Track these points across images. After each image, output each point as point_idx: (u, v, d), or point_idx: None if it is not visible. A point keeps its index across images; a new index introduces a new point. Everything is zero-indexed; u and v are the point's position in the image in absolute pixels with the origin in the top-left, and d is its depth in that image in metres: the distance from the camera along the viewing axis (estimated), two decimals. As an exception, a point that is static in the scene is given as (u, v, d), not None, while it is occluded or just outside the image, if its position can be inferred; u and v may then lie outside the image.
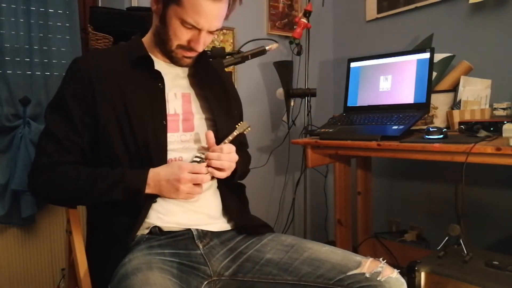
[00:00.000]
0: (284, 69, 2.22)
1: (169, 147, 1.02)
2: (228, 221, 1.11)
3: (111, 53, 1.12)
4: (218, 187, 1.11)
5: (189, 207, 1.04)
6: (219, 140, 1.05)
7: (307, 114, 2.31)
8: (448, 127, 1.69)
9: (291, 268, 0.97)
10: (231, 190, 1.13)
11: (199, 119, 1.09)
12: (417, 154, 1.44)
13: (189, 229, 1.02)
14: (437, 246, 1.55)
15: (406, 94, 1.73)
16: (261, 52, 1.53)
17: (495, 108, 1.66)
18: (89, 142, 1.02)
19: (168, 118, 1.04)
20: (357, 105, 1.88)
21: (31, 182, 1.03)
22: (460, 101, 1.71)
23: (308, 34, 2.30)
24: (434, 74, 1.77)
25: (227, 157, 1.02)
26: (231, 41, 2.22)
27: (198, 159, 1.03)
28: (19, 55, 1.66)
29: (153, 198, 1.00)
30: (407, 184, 2.28)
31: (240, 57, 1.52)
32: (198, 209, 1.05)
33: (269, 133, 2.45)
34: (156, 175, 0.97)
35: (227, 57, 1.52)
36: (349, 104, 1.92)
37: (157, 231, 1.00)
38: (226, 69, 1.48)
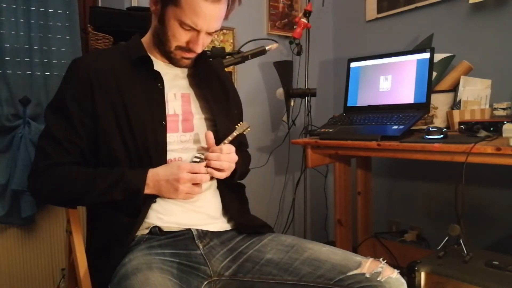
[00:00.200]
0: (284, 69, 2.22)
1: (169, 147, 1.02)
2: (228, 221, 1.11)
3: (111, 54, 1.11)
4: (218, 187, 1.11)
5: (189, 207, 1.04)
6: (218, 140, 1.05)
7: (307, 114, 2.31)
8: (448, 127, 1.69)
9: (291, 268, 0.97)
10: (231, 190, 1.13)
11: (198, 119, 1.09)
12: (417, 154, 1.44)
13: (189, 229, 1.02)
14: (437, 246, 1.55)
15: (406, 94, 1.73)
16: (261, 52, 1.53)
17: (495, 108, 1.66)
18: (88, 142, 1.02)
19: (168, 118, 1.03)
20: (357, 105, 1.88)
21: (31, 183, 1.03)
22: (460, 101, 1.71)
23: (308, 34, 2.30)
24: (434, 74, 1.77)
25: (226, 157, 1.01)
26: (231, 41, 2.22)
27: (197, 160, 1.03)
28: (19, 55, 1.66)
29: (152, 198, 1.00)
30: (407, 184, 2.28)
31: (240, 57, 1.52)
32: (198, 209, 1.05)
33: (269, 133, 2.45)
34: (155, 175, 0.97)
35: (227, 57, 1.52)
36: (349, 104, 1.92)
37: (157, 231, 1.00)
38: (226, 69, 1.48)
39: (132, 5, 1.88)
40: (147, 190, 0.97)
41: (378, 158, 2.31)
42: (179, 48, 1.03)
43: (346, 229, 1.97)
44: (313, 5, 2.24)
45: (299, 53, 2.28)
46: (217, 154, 1.00)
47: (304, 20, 2.19)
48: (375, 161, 2.28)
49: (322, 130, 1.76)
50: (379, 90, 1.82)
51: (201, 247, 1.01)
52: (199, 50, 1.04)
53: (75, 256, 1.05)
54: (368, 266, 0.92)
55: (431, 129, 1.43)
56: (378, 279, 0.89)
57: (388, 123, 1.60)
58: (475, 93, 1.71)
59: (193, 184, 0.98)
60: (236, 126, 1.08)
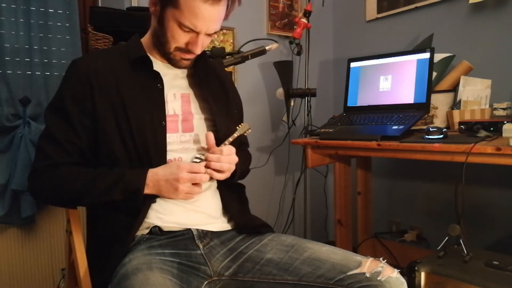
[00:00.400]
0: (284, 69, 2.22)
1: (169, 147, 1.02)
2: (228, 221, 1.11)
3: (110, 54, 1.11)
4: (218, 187, 1.11)
5: (189, 206, 1.04)
6: (218, 140, 1.05)
7: (307, 114, 2.31)
8: (448, 127, 1.69)
9: (292, 268, 0.97)
10: (231, 190, 1.13)
11: (198, 120, 1.09)
12: (417, 154, 1.44)
13: (189, 229, 1.02)
14: (437, 246, 1.55)
15: (406, 94, 1.73)
16: (261, 52, 1.54)
17: (495, 108, 1.66)
18: (88, 143, 1.02)
19: (168, 118, 1.03)
20: (357, 105, 1.88)
21: (31, 184, 1.03)
22: (460, 101, 1.71)
23: (308, 34, 2.30)
24: (434, 74, 1.77)
25: (226, 159, 1.01)
26: (231, 41, 2.22)
27: (197, 160, 1.03)
28: (19, 55, 1.66)
29: (152, 198, 1.00)
30: (407, 184, 2.28)
31: (240, 57, 1.52)
32: (198, 208, 1.05)
33: (269, 133, 2.45)
34: (154, 175, 0.97)
35: (227, 57, 1.52)
36: (349, 104, 1.92)
37: (157, 231, 1.00)
38: (226, 69, 1.48)
39: (132, 5, 1.88)
40: (147, 190, 0.97)
41: (378, 158, 2.31)
42: (178, 49, 1.03)
43: (346, 229, 1.97)
44: (313, 5, 2.24)
45: (299, 53, 2.28)
46: (217, 156, 1.00)
47: (304, 20, 2.19)
48: (375, 161, 2.28)
49: (322, 130, 1.76)
50: (379, 90, 1.82)
51: (201, 247, 1.01)
52: (198, 51, 1.04)
53: (75, 256, 1.05)
54: (368, 265, 0.92)
55: (431, 129, 1.43)
56: (378, 278, 0.89)
57: (388, 123, 1.60)
58: (475, 93, 1.71)
59: (192, 184, 0.98)
60: (237, 127, 1.09)
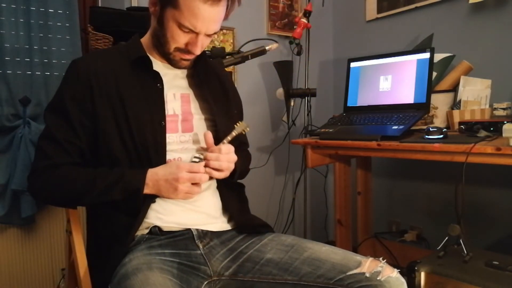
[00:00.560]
0: (284, 69, 2.22)
1: (168, 147, 1.02)
2: (228, 221, 1.11)
3: (110, 54, 1.11)
4: (218, 187, 1.11)
5: (188, 206, 1.04)
6: (219, 140, 1.05)
7: (307, 114, 2.31)
8: (448, 127, 1.69)
9: (291, 268, 0.97)
10: (231, 190, 1.13)
11: (198, 120, 1.09)
12: (417, 154, 1.44)
13: (189, 229, 1.02)
14: (437, 246, 1.55)
15: (406, 94, 1.73)
16: (261, 52, 1.54)
17: (495, 108, 1.66)
18: (88, 143, 1.02)
19: (167, 118, 1.03)
20: (357, 105, 1.88)
21: (31, 184, 1.03)
22: (460, 101, 1.71)
23: (308, 34, 2.30)
24: (434, 74, 1.77)
25: (225, 157, 1.01)
26: (231, 41, 2.22)
27: (197, 160, 1.03)
28: (19, 55, 1.66)
29: (152, 198, 1.00)
30: (407, 184, 2.28)
31: (240, 57, 1.52)
32: (198, 208, 1.05)
33: (269, 133, 2.45)
34: (154, 175, 0.97)
35: (227, 57, 1.52)
36: (349, 104, 1.92)
37: (157, 231, 1.00)
38: (226, 69, 1.48)
39: (132, 5, 1.88)
40: (146, 190, 0.97)
41: (378, 158, 2.31)
42: (178, 49, 1.03)
43: (346, 229, 1.97)
44: (313, 5, 2.25)
45: (299, 53, 2.28)
46: (216, 154, 1.00)
47: (304, 20, 2.19)
48: (375, 161, 2.28)
49: (322, 130, 1.76)
50: (379, 90, 1.82)
51: (201, 247, 1.01)
52: (198, 52, 1.04)
53: (75, 256, 1.05)
54: (368, 265, 0.92)
55: (431, 129, 1.43)
56: (378, 278, 0.89)
57: (388, 123, 1.60)
58: (475, 93, 1.71)
59: (192, 183, 0.98)
60: (235, 126, 1.08)
